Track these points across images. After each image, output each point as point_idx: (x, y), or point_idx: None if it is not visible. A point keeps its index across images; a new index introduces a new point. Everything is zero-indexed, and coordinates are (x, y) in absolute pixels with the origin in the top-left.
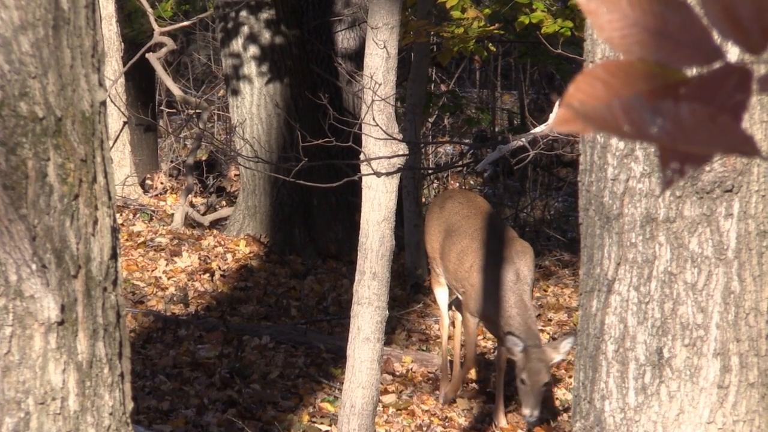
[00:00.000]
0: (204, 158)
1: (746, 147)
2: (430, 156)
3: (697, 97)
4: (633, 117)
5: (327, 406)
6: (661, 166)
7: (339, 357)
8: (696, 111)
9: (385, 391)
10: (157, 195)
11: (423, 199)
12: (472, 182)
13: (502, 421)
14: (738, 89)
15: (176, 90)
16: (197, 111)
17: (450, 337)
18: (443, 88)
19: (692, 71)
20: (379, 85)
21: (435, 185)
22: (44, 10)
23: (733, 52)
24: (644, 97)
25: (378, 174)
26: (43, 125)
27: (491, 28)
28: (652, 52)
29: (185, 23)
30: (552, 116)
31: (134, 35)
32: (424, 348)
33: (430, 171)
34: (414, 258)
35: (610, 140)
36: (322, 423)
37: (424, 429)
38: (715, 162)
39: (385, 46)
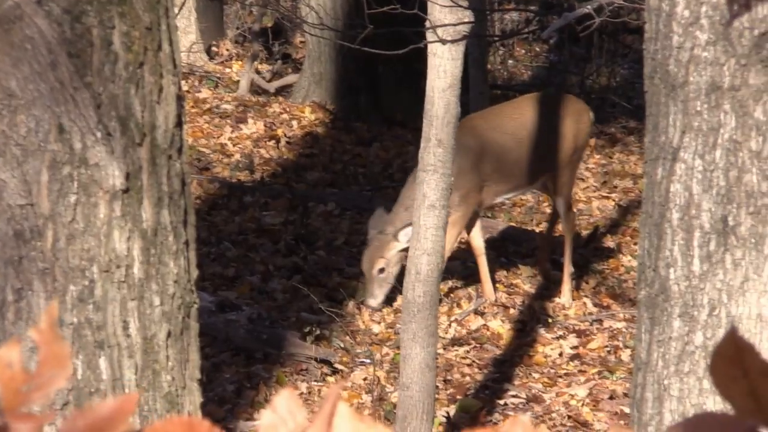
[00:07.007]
0: (269, 25)
1: None
2: (496, 23)
3: None
4: None
5: None
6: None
7: None
8: None
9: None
10: (222, 62)
11: (489, 66)
12: (537, 49)
13: (566, 293)
14: None
15: None
16: None
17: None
18: None
19: None
20: None
21: (501, 52)
22: None
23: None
24: None
25: (443, 41)
26: None
27: None
28: None
29: None
30: None
31: None
32: (489, 215)
33: (495, 38)
34: None
35: (675, 8)
36: None
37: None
38: None
39: None
